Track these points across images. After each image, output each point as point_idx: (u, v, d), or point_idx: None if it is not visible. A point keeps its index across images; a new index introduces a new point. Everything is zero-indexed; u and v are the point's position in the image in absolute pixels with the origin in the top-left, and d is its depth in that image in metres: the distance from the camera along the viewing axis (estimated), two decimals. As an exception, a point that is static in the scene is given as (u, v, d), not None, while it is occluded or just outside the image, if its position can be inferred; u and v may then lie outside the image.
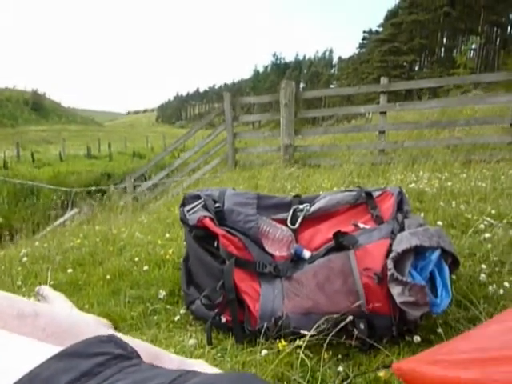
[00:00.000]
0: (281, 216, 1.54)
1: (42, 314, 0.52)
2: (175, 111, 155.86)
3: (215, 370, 0.72)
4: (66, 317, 0.57)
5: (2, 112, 50.60)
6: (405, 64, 51.58)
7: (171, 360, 0.64)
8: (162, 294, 1.58)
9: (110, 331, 0.65)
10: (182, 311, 1.47)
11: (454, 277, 1.52)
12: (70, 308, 1.18)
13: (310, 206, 1.54)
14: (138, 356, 0.44)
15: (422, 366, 0.84)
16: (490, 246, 1.79)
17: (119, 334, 0.58)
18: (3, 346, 0.40)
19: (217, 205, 1.48)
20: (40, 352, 0.38)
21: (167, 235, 2.37)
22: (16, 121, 48.79)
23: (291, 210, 1.54)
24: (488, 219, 2.14)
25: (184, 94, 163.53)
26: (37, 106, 61.24)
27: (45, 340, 0.48)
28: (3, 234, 3.36)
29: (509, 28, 52.53)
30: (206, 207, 1.48)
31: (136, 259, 2.00)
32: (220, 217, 1.44)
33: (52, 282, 1.84)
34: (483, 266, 1.61)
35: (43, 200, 9.55)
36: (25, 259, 2.26)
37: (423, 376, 0.87)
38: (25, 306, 0.52)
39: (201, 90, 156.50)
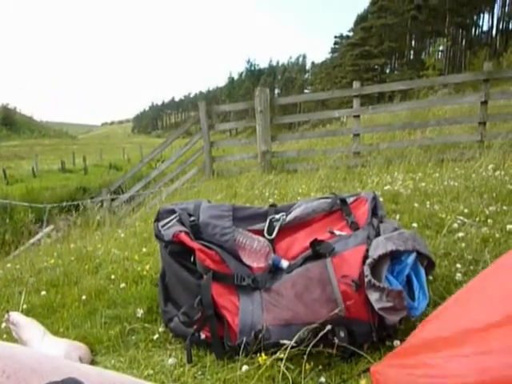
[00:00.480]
0: (257, 227, 1.53)
1: (0, 355, 0.49)
2: (151, 121, 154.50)
3: None
4: (29, 354, 0.54)
5: (-29, 128, 49.08)
6: (376, 67, 52.73)
7: None
8: (140, 312, 1.54)
9: (78, 364, 0.62)
10: (161, 329, 1.43)
11: (430, 278, 1.54)
12: (42, 334, 1.14)
13: (286, 215, 1.54)
14: None
15: (392, 366, 0.86)
16: (463, 244, 1.82)
17: (87, 368, 0.56)
18: None
19: (192, 218, 1.45)
20: None
21: (144, 250, 2.32)
22: (-14, 137, 47.38)
23: (267, 220, 1.54)
24: (461, 218, 2.19)
25: (159, 103, 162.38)
26: (7, 121, 59.63)
27: (5, 382, 0.46)
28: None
29: (473, 29, 54.52)
30: (181, 221, 1.46)
31: (112, 277, 1.95)
32: (196, 231, 1.42)
33: (25, 306, 1.78)
34: (458, 266, 1.64)
35: (17, 218, 9.26)
36: (-4, 283, 2.18)
37: (394, 376, 0.88)
38: None
39: (176, 99, 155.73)
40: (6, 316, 1.07)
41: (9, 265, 2.62)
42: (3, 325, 1.56)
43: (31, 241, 5.51)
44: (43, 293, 1.91)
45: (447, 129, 5.95)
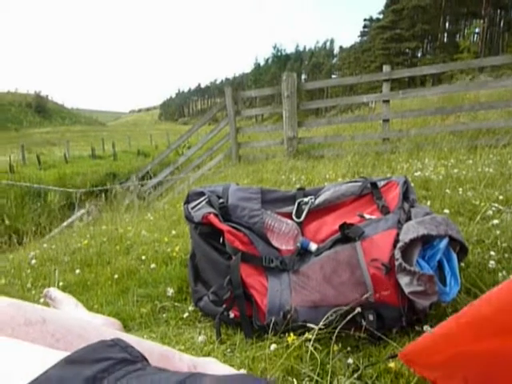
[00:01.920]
0: (286, 210, 1.53)
1: (49, 319, 0.52)
2: (178, 108, 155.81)
3: (226, 368, 0.72)
4: (75, 321, 0.57)
5: (6, 116, 50.89)
6: (407, 51, 51.01)
7: (182, 359, 0.64)
8: (170, 291, 1.59)
9: (119, 332, 0.65)
10: (191, 308, 1.47)
11: (462, 264, 1.51)
12: (78, 309, 1.19)
13: (315, 199, 1.53)
14: (144, 359, 0.44)
15: (426, 347, 0.85)
16: (498, 232, 1.76)
17: (127, 336, 0.58)
18: (9, 352, 0.40)
19: (221, 201, 1.47)
20: (45, 358, 0.38)
21: (173, 232, 2.37)
22: (20, 124, 49.07)
23: (296, 203, 1.53)
24: (496, 205, 2.12)
25: (186, 90, 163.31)
26: (40, 109, 61.51)
27: (54, 345, 0.48)
28: (11, 237, 3.39)
29: (512, 9, 51.66)
30: (210, 203, 1.48)
31: (143, 258, 2.00)
32: (224, 212, 1.44)
33: (61, 284, 1.86)
34: (492, 253, 1.59)
35: (50, 202, 9.62)
36: (33, 261, 2.28)
37: (431, 354, 0.87)
38: (32, 313, 0.52)
39: (202, 86, 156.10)
40: (45, 291, 1.12)
41: (45, 245, 2.73)
42: (42, 300, 1.64)
43: (64, 224, 5.73)
44: (77, 271, 1.99)
45: (482, 114, 5.72)
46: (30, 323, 0.50)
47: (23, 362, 0.38)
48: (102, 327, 0.62)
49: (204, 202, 1.48)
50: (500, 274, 1.44)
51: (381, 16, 57.92)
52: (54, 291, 1.21)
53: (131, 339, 0.56)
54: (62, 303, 1.17)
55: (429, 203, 2.28)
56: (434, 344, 0.87)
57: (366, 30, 64.49)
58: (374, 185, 1.51)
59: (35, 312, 0.53)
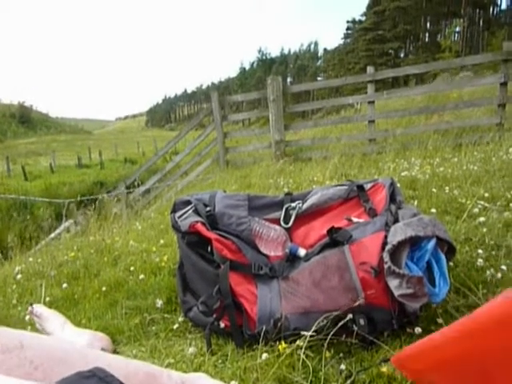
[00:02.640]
0: (273, 215, 1.52)
1: (28, 345, 0.50)
2: (164, 114, 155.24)
3: (216, 382, 0.70)
4: (56, 345, 0.55)
5: (-11, 127, 50.13)
6: (390, 51, 51.63)
7: (170, 377, 0.62)
8: (159, 302, 1.56)
9: (104, 352, 0.63)
10: (181, 319, 1.45)
11: (451, 264, 1.51)
12: (65, 326, 1.16)
13: (303, 204, 1.52)
14: None
15: (418, 352, 0.85)
16: (485, 229, 1.78)
17: (114, 357, 0.56)
18: None
19: (208, 209, 1.45)
20: None
21: (161, 241, 2.34)
22: (4, 135, 48.33)
23: (283, 209, 1.53)
24: (482, 203, 2.14)
25: (172, 96, 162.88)
26: (24, 119, 60.72)
27: (33, 374, 0.46)
28: (-4, 251, 3.31)
29: (491, 8, 52.72)
30: (197, 212, 1.46)
31: (131, 268, 1.97)
32: (212, 221, 1.42)
33: (48, 299, 1.82)
34: (480, 251, 1.60)
35: (36, 213, 9.47)
36: (19, 276, 2.23)
37: (419, 360, 0.87)
38: (10, 339, 0.50)
39: (189, 91, 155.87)
40: (30, 308, 1.09)
41: (31, 259, 2.68)
42: (27, 317, 1.60)
43: (51, 235, 5.64)
44: (65, 285, 1.94)
45: (465, 112, 5.81)
46: (6, 350, 0.48)
47: None
48: (85, 349, 0.60)
49: (191, 211, 1.47)
50: (488, 272, 1.45)
51: (363, 18, 58.59)
52: (39, 308, 1.17)
53: (117, 360, 0.55)
54: (48, 320, 1.14)
55: (416, 203, 2.29)
56: (421, 352, 0.87)
57: (349, 31, 65.13)
58: (360, 188, 1.51)
59: (13, 337, 0.51)
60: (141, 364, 0.61)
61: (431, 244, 1.22)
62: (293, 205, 1.53)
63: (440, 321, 1.21)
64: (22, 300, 1.91)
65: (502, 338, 0.67)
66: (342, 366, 1.08)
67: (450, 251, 1.31)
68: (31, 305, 1.23)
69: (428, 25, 54.80)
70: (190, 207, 1.49)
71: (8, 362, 0.47)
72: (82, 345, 0.60)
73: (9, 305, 1.87)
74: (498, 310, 0.68)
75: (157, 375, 0.60)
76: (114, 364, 0.47)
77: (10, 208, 10.40)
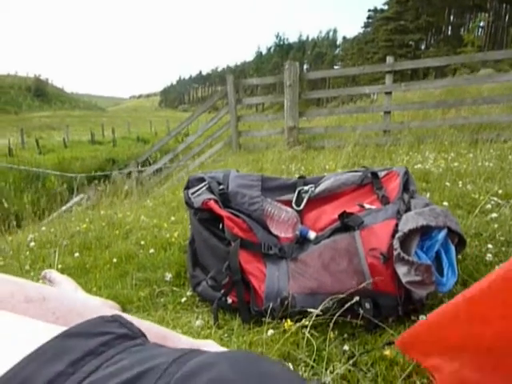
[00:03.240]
0: (285, 197, 1.54)
1: (50, 297, 0.52)
2: (178, 95, 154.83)
3: (225, 350, 0.72)
4: (75, 300, 0.58)
5: (5, 99, 50.53)
6: (411, 43, 50.57)
7: (180, 341, 0.64)
8: (169, 276, 1.59)
9: (118, 313, 0.65)
10: (189, 293, 1.48)
11: (460, 257, 1.52)
12: (77, 291, 1.19)
13: (315, 187, 1.53)
14: (143, 335, 0.44)
15: (422, 334, 0.86)
16: (496, 225, 1.77)
17: (127, 315, 0.58)
18: (9, 325, 0.40)
19: (221, 187, 1.47)
20: (46, 332, 0.38)
21: (172, 218, 2.37)
22: (19, 107, 48.72)
23: (296, 192, 1.54)
24: (495, 199, 2.12)
25: (187, 77, 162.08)
26: (40, 92, 61.05)
27: (54, 322, 0.49)
28: (10, 219, 3.38)
29: (518, 3, 51.06)
30: (210, 189, 1.48)
31: (142, 243, 2.01)
32: (224, 199, 1.44)
33: (60, 266, 1.86)
34: (489, 246, 1.60)
35: (48, 186, 9.60)
36: (32, 244, 2.28)
37: (424, 342, 0.88)
38: (32, 290, 0.52)
39: (203, 73, 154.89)
40: (43, 273, 1.12)
41: (44, 228, 2.73)
42: (40, 281, 1.65)
43: (63, 208, 5.72)
44: (76, 254, 1.99)
45: (483, 109, 5.70)
46: (30, 300, 0.50)
47: (23, 335, 0.38)
48: (101, 307, 0.62)
49: (204, 188, 1.48)
50: (497, 267, 1.45)
51: (385, 7, 57.28)
52: (52, 273, 1.21)
53: (131, 319, 0.57)
54: (61, 285, 1.18)
55: (428, 195, 2.28)
56: (429, 331, 0.88)
57: (369, 20, 63.82)
58: (374, 175, 1.51)
59: (35, 289, 0.53)
60: (153, 324, 0.64)
61: (442, 234, 1.22)
62: (305, 188, 1.54)
63: (445, 310, 1.22)
64: (35, 266, 1.96)
65: (499, 306, 0.68)
66: (346, 347, 1.10)
67: (460, 243, 1.31)
68: (44, 270, 1.27)
69: (452, 17, 53.43)
70: (203, 184, 1.51)
71: (32, 311, 0.49)
72: (93, 306, 0.62)
73: (22, 270, 1.92)
74: (493, 283, 0.69)
75: (168, 336, 0.62)
76: (128, 318, 0.49)
77: (24, 179, 10.56)
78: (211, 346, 0.73)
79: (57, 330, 0.38)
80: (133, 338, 0.41)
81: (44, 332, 0.37)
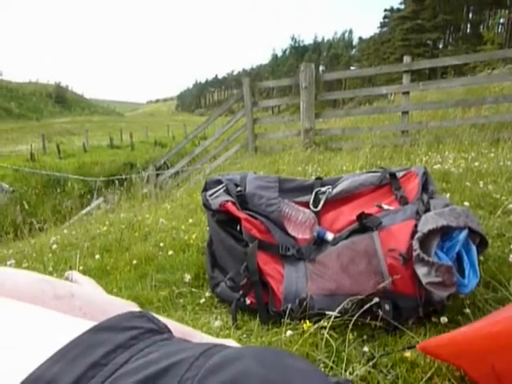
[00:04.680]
0: (303, 199, 1.54)
1: (77, 294, 0.54)
2: (194, 99, 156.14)
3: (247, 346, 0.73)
4: (100, 297, 0.60)
5: (27, 106, 51.89)
6: (428, 42, 49.81)
7: (202, 338, 0.66)
8: (187, 277, 1.61)
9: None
10: (208, 294, 1.49)
11: (481, 258, 1.49)
12: (98, 292, 1.21)
13: (333, 189, 1.53)
14: (170, 331, 0.45)
15: (446, 341, 0.84)
16: (519, 226, 1.73)
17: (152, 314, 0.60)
18: (43, 320, 0.42)
19: (238, 189, 1.48)
20: (77, 326, 0.39)
21: (190, 220, 2.40)
22: (41, 114, 49.95)
23: (313, 193, 1.53)
24: (517, 199, 2.07)
25: (203, 81, 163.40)
26: (60, 99, 62.47)
27: (82, 317, 0.50)
28: (33, 223, 3.48)
29: (540, -1, 49.75)
30: (227, 191, 1.49)
31: (161, 244, 2.03)
32: (242, 201, 1.45)
33: (81, 268, 1.90)
34: (512, 247, 1.57)
35: (69, 190, 9.82)
36: (54, 246, 2.34)
37: (447, 349, 0.87)
38: (61, 288, 0.54)
39: (219, 77, 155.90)
40: (66, 274, 1.15)
41: (65, 231, 2.80)
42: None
43: (83, 211, 5.85)
44: (97, 256, 2.03)
45: (505, 107, 5.57)
46: (59, 297, 0.52)
47: (57, 329, 0.39)
48: (124, 306, 0.64)
49: (222, 190, 1.50)
50: (520, 269, 1.42)
51: (402, 6, 56.59)
52: (75, 274, 1.23)
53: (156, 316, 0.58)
54: (83, 286, 1.20)
55: (448, 196, 2.25)
56: (452, 342, 0.86)
57: (386, 20, 63.17)
58: (392, 175, 1.49)
59: (64, 287, 0.55)
60: (176, 323, 0.65)
61: (463, 235, 1.20)
62: (323, 189, 1.53)
63: (467, 311, 1.20)
64: (58, 268, 2.01)
65: None
66: (365, 349, 1.10)
67: (482, 244, 1.29)
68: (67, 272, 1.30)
69: (470, 15, 52.41)
70: (221, 186, 1.52)
71: (61, 308, 0.51)
72: (114, 306, 0.64)
73: (45, 272, 1.96)
74: None
75: (190, 334, 0.64)
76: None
77: (45, 184, 10.82)
78: (233, 344, 0.74)
79: (88, 324, 0.40)
80: (160, 333, 0.42)
81: (76, 326, 0.39)
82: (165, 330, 0.44)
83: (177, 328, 0.61)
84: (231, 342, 0.74)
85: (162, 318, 0.60)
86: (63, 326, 0.40)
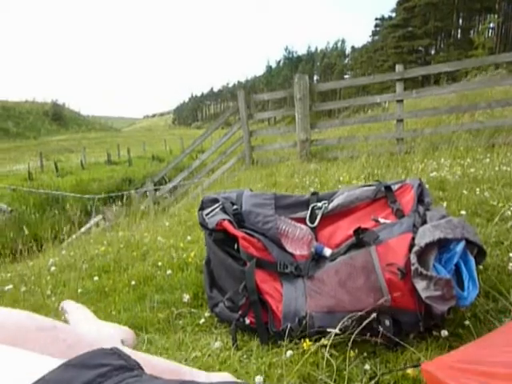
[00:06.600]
0: (299, 215, 1.54)
1: (60, 327, 0.54)
2: (191, 112, 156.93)
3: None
4: (86, 329, 0.59)
5: (24, 124, 52.06)
6: (420, 49, 50.34)
7: (191, 374, 0.65)
8: (186, 297, 1.60)
9: (127, 340, 0.66)
10: (207, 314, 1.48)
11: (480, 267, 1.48)
12: (88, 317, 1.17)
13: (329, 203, 1.53)
14: (140, 368, 0.45)
15: (445, 370, 0.83)
16: (517, 233, 1.73)
17: (135, 353, 0.59)
18: (9, 359, 0.41)
19: (235, 207, 1.48)
20: (46, 364, 0.39)
21: (188, 238, 2.39)
22: (38, 132, 50.10)
23: (309, 208, 1.53)
24: (514, 205, 2.07)
25: (199, 94, 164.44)
26: (57, 117, 62.66)
27: (66, 351, 0.50)
28: (31, 243, 3.46)
29: (528, 3, 50.45)
30: (224, 210, 1.49)
31: (159, 264, 2.02)
32: (239, 219, 1.44)
33: (80, 290, 1.89)
34: (511, 255, 1.57)
35: (68, 208, 9.80)
36: (53, 268, 2.32)
37: (452, 372, 0.86)
38: (43, 321, 0.54)
39: (215, 90, 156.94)
40: (61, 304, 1.13)
41: (64, 252, 2.79)
42: (60, 307, 1.68)
43: (82, 230, 5.83)
44: (96, 278, 2.02)
45: (499, 111, 5.61)
46: (41, 329, 0.52)
47: (23, 368, 0.39)
48: (111, 338, 0.63)
49: (218, 209, 1.49)
50: (520, 277, 1.42)
51: (393, 14, 57.33)
52: (68, 303, 1.19)
53: (143, 356, 0.58)
54: (76, 314, 1.17)
55: (445, 204, 2.25)
56: (456, 364, 0.85)
57: (377, 29, 63.91)
58: (388, 188, 1.50)
59: (47, 320, 0.55)
60: (163, 360, 0.64)
61: (460, 246, 1.20)
62: (319, 204, 1.53)
63: (468, 324, 1.19)
64: (56, 291, 1.99)
65: None
66: (367, 366, 1.09)
67: (480, 254, 1.29)
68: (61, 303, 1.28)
69: (460, 21, 53.05)
70: (217, 205, 1.52)
71: (43, 340, 0.50)
72: (101, 336, 0.63)
73: (43, 295, 1.95)
74: None
75: (179, 371, 0.62)
76: (136, 358, 0.50)
77: (43, 202, 10.80)
78: (226, 377, 0.73)
79: (58, 362, 0.39)
80: (130, 370, 0.42)
81: (46, 363, 0.38)
82: (135, 366, 0.44)
83: (163, 364, 0.60)
84: (225, 376, 0.73)
85: (146, 355, 0.59)
86: (32, 365, 0.40)
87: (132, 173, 16.65)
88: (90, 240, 3.20)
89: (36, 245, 3.72)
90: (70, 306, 1.14)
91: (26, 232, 3.19)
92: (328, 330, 1.13)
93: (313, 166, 4.75)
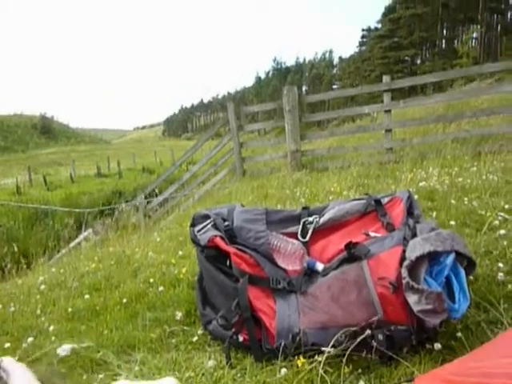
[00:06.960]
0: (291, 230, 1.54)
1: None
2: (181, 124, 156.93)
3: None
4: None
5: (12, 138, 51.54)
6: (406, 58, 51.26)
7: None
8: (179, 315, 1.59)
9: None
10: (200, 332, 1.47)
11: (471, 278, 1.50)
12: (28, 381, 1.11)
13: (320, 218, 1.54)
14: None
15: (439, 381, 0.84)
16: (505, 242, 1.76)
17: None
18: None
19: (226, 223, 1.48)
20: None
21: (180, 253, 2.37)
22: (26, 146, 49.58)
23: (301, 223, 1.54)
24: (502, 214, 2.10)
25: (188, 106, 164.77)
26: (45, 130, 62.10)
27: None
28: (20, 261, 3.41)
29: (509, 14, 51.83)
30: (215, 226, 1.49)
31: (151, 280, 2.01)
32: (230, 235, 1.45)
33: (70, 309, 1.86)
34: (500, 265, 1.58)
35: (57, 222, 9.67)
36: (43, 287, 2.29)
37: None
38: None
39: (205, 101, 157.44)
40: (1, 364, 1.05)
41: (53, 269, 2.74)
42: (51, 328, 1.66)
43: (71, 244, 5.75)
44: (86, 296, 1.99)
45: (484, 120, 5.72)
46: None
47: None
48: None
49: (210, 225, 1.49)
50: (510, 286, 1.44)
51: (379, 25, 58.40)
52: (7, 361, 1.12)
53: None
54: (13, 374, 1.11)
55: (434, 214, 2.27)
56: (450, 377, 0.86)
57: (364, 39, 64.99)
58: (378, 202, 1.51)
59: None
60: None
61: (450, 259, 1.21)
62: (310, 219, 1.54)
63: (460, 336, 1.20)
64: (46, 310, 1.96)
65: None
66: (361, 383, 1.08)
67: (470, 265, 1.30)
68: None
69: (444, 31, 54.21)
70: (208, 221, 1.52)
71: None
72: None
73: (33, 315, 1.92)
74: None
75: None
76: None
77: (32, 217, 10.66)
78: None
79: None
80: None
81: None
82: None
83: None
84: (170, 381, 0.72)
85: None
86: None
87: (122, 185, 16.55)
88: (80, 256, 3.16)
89: (25, 261, 3.67)
90: (9, 365, 1.06)
91: (15, 249, 3.14)
92: (322, 348, 1.13)
93: (303, 176, 4.77)
